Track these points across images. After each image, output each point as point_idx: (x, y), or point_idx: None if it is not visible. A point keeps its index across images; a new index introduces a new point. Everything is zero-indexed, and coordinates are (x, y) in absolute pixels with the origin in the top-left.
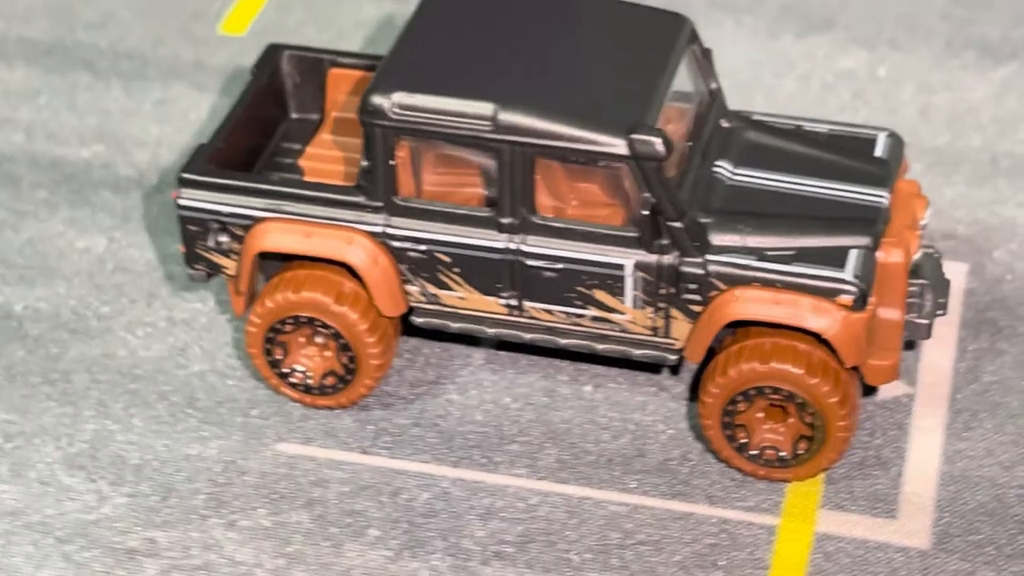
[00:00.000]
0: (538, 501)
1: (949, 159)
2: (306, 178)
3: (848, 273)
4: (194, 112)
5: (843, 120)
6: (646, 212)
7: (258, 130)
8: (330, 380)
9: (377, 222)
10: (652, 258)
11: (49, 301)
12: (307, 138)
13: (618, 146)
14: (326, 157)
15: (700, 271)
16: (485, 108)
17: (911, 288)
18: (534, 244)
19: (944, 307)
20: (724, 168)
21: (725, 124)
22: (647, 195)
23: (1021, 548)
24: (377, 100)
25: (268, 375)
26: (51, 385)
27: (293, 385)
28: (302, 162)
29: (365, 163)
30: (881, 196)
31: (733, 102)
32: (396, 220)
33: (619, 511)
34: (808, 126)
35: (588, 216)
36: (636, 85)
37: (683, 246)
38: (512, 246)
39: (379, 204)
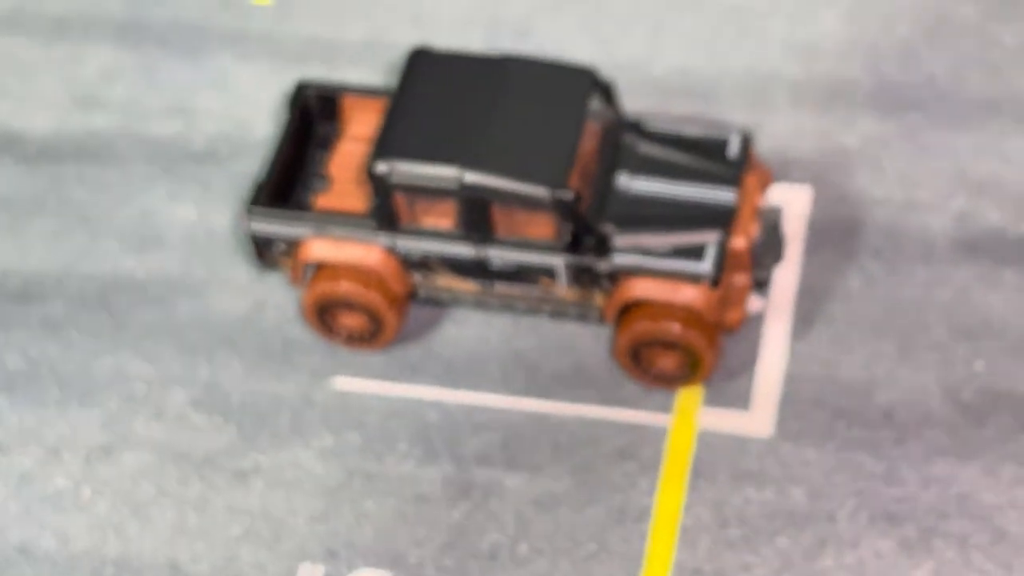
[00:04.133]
0: (510, 414)
1: (811, 90)
2: (334, 184)
3: (705, 264)
4: (242, 81)
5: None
6: (567, 238)
7: (296, 157)
8: (366, 333)
9: (385, 240)
10: (576, 259)
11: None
12: (329, 149)
13: (545, 197)
14: (348, 164)
15: (607, 267)
16: (452, 171)
17: (754, 252)
18: (495, 253)
19: (779, 257)
20: (622, 179)
21: (625, 140)
22: (568, 224)
23: (835, 430)
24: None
25: (322, 333)
26: (172, 337)
27: (340, 336)
28: (332, 170)
29: (374, 204)
30: (730, 194)
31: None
32: (399, 238)
33: (565, 419)
34: (682, 131)
35: (532, 234)
36: (555, 143)
37: (595, 251)
38: (479, 255)
39: (386, 227)
